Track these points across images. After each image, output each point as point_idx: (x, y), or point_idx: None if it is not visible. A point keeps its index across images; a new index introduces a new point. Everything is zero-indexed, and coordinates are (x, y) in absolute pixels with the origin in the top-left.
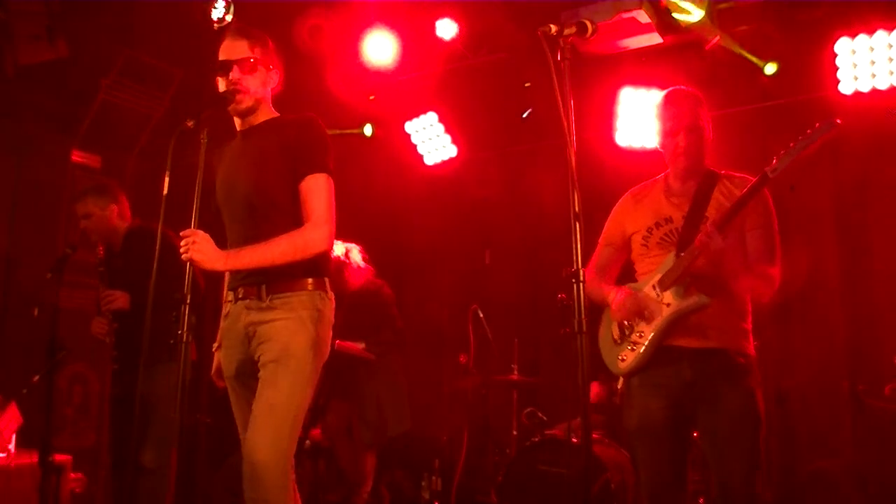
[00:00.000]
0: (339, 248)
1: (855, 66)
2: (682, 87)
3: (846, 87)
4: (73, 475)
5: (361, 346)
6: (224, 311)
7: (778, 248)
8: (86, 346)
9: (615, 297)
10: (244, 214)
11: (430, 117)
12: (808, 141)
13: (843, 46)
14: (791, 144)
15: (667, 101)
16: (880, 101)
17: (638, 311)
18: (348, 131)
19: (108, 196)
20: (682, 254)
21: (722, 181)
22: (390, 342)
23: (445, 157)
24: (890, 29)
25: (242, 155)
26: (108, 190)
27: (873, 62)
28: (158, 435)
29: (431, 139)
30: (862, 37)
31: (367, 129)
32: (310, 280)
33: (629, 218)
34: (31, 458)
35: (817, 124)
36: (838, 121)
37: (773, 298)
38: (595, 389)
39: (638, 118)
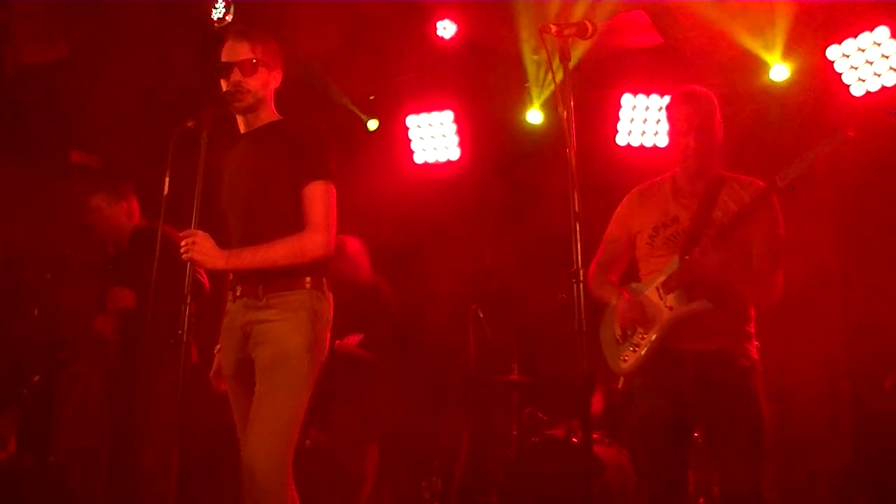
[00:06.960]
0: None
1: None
2: (696, 86)
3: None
4: (72, 474)
5: (358, 338)
6: (226, 310)
7: (781, 256)
8: (86, 346)
9: (618, 303)
10: (247, 217)
11: (432, 117)
12: (819, 151)
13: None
14: (803, 154)
15: (679, 100)
16: (881, 101)
17: (640, 316)
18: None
19: (119, 194)
20: (687, 258)
21: (730, 183)
22: (389, 338)
23: (445, 159)
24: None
25: (246, 159)
26: (120, 188)
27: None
28: (159, 436)
29: (434, 137)
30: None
31: (372, 124)
32: (308, 279)
33: (635, 216)
34: (31, 458)
35: (830, 134)
36: (851, 133)
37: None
38: (595, 401)
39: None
